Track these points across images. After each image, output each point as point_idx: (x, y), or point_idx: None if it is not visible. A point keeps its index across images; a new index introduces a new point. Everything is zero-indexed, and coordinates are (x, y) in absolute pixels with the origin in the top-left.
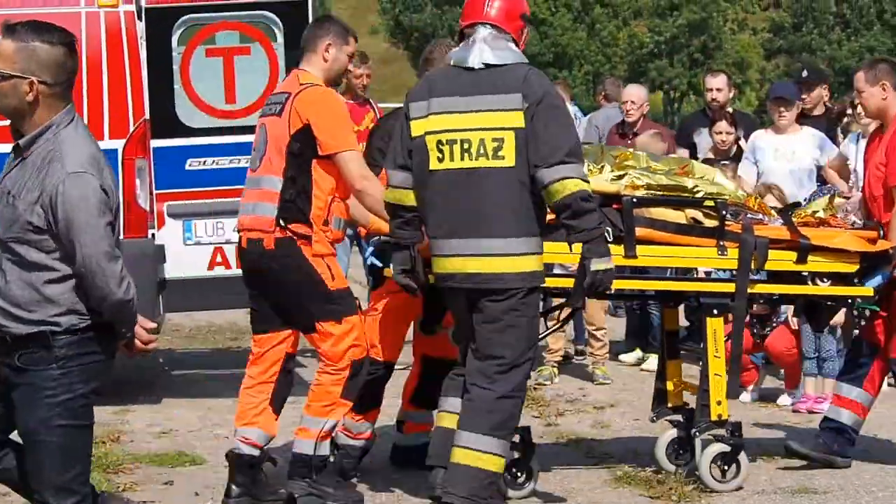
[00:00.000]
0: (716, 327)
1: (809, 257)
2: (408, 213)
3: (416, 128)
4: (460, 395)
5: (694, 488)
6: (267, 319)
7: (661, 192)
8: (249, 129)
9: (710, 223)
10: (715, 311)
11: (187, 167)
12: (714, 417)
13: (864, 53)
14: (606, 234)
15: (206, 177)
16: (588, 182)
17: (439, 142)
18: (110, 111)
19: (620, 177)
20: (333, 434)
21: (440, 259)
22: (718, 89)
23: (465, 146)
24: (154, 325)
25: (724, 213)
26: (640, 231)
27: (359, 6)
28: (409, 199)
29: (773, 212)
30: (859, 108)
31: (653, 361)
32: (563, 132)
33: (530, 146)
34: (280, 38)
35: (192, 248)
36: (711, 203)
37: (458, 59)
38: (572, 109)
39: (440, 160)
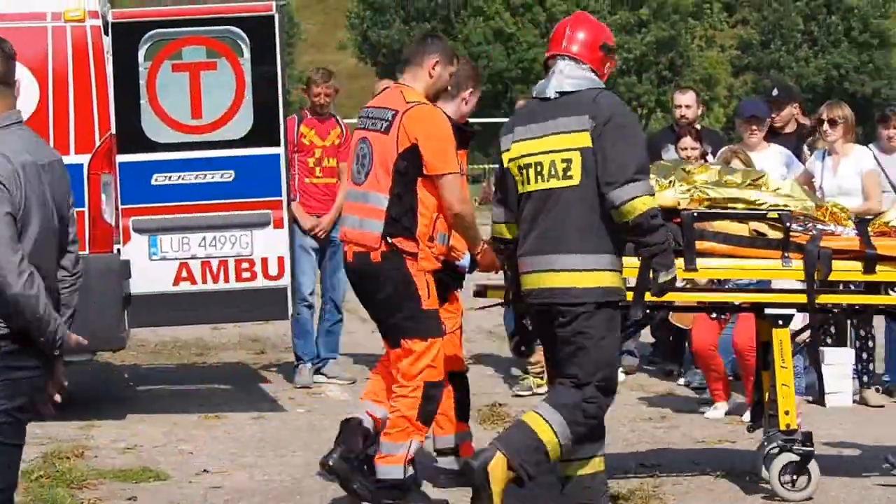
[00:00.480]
0: (782, 338)
1: (878, 267)
2: (508, 245)
3: (505, 159)
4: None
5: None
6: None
7: (726, 206)
8: (215, 145)
9: (775, 235)
10: (780, 322)
11: (153, 182)
12: (783, 427)
13: (831, 70)
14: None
15: (172, 192)
16: (653, 196)
17: (520, 167)
18: (76, 126)
19: (689, 191)
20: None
21: (523, 276)
22: (687, 106)
23: (539, 169)
24: (65, 383)
25: (788, 224)
26: (706, 245)
27: (327, 22)
28: (506, 232)
29: (848, 222)
30: (825, 126)
31: None
32: (631, 150)
33: (599, 165)
34: (247, 54)
35: (157, 264)
36: (775, 215)
37: (538, 90)
38: None
39: (522, 184)
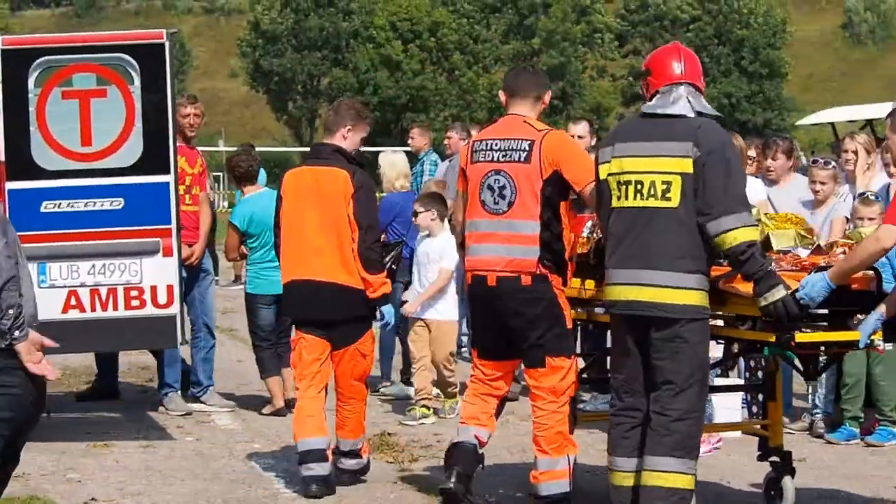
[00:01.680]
0: None
1: (730, 300)
2: None
3: (602, 171)
4: (628, 454)
5: None
6: (498, 350)
7: None
8: (105, 172)
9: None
10: None
11: (42, 209)
12: None
13: (722, 100)
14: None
15: (62, 219)
16: (754, 227)
17: (619, 182)
18: None
19: None
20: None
21: (611, 287)
22: (580, 136)
23: (639, 186)
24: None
25: None
26: None
27: (218, 49)
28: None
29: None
30: None
31: None
32: (728, 182)
33: (698, 194)
34: (137, 81)
35: (46, 291)
36: None
37: (661, 108)
38: (431, 157)
39: (619, 199)
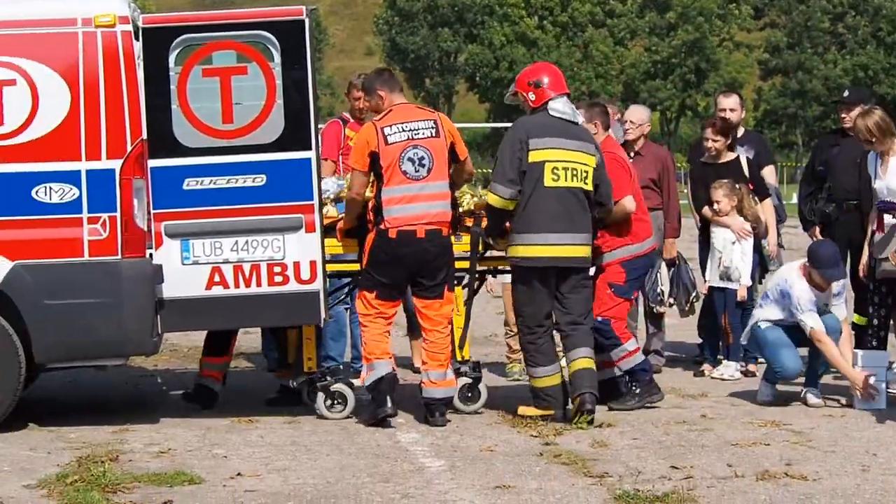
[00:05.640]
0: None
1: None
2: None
3: (538, 156)
4: (549, 362)
5: None
6: (401, 292)
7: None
8: (247, 149)
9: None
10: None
11: (185, 187)
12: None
13: (858, 72)
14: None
15: (204, 196)
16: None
17: (555, 168)
18: (108, 131)
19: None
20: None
21: (547, 247)
22: (731, 109)
23: (574, 172)
24: None
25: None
26: None
27: (355, 28)
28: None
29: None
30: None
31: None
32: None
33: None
34: (277, 58)
35: (189, 268)
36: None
37: (565, 114)
38: None
39: (555, 180)
